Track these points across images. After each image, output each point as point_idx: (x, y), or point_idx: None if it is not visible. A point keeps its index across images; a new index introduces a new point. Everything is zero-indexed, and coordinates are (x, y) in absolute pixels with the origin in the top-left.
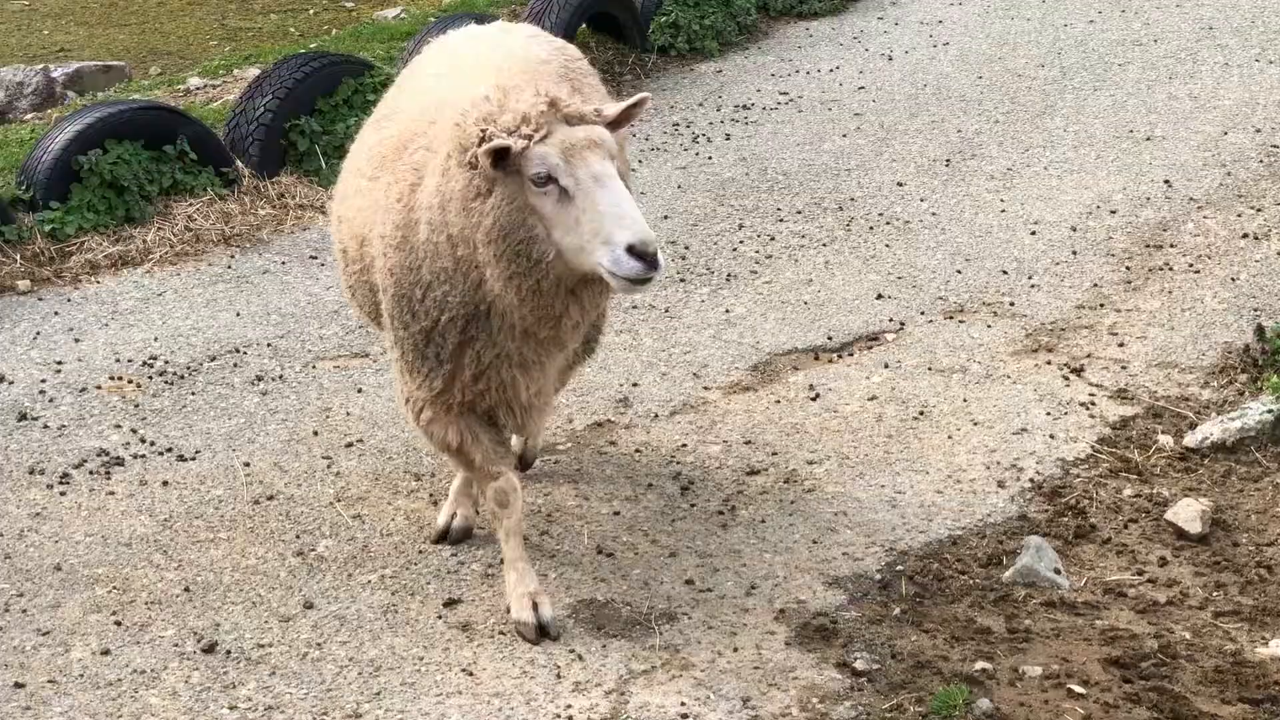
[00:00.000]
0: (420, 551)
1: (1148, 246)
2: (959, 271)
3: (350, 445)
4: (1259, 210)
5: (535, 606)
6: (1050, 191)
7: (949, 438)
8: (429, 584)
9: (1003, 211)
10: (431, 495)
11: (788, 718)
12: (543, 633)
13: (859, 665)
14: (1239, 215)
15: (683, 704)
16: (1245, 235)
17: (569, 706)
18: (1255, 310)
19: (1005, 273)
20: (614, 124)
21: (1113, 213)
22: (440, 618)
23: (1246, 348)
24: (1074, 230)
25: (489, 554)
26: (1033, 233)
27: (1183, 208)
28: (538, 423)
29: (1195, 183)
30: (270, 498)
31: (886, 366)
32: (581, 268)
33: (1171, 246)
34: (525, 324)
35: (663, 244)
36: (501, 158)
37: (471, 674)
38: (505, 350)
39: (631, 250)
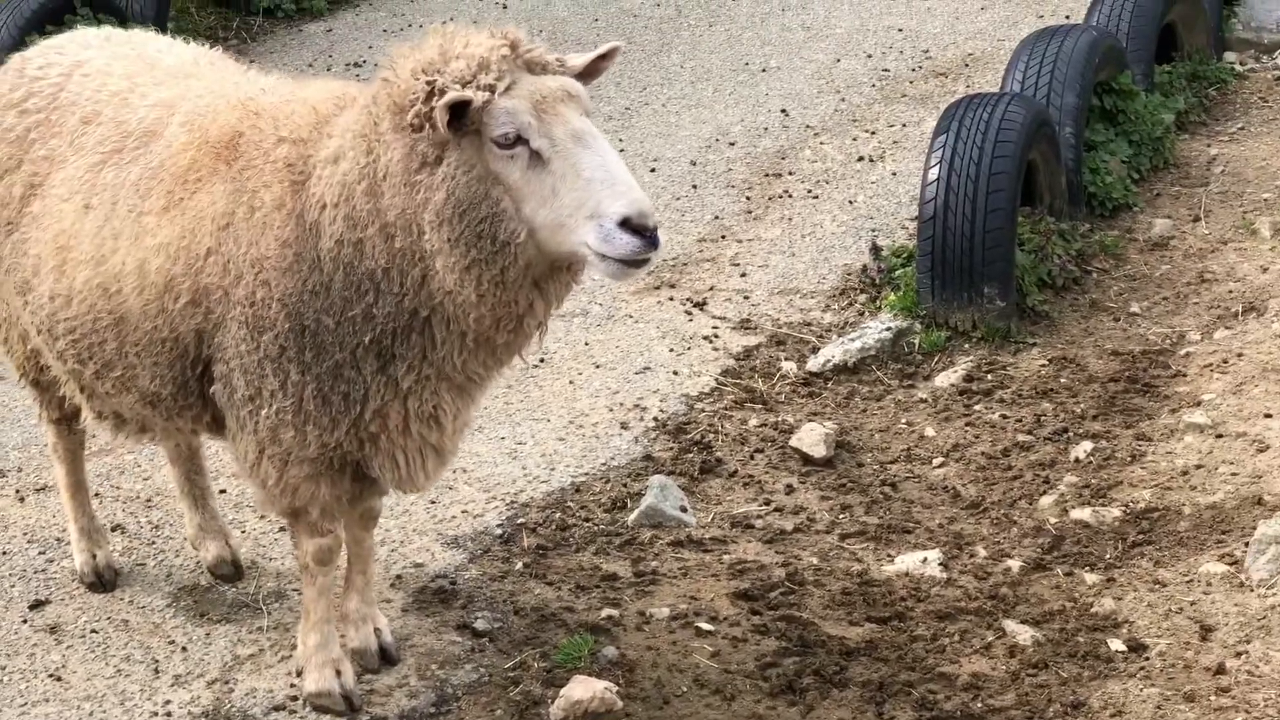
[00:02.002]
0: (4, 552)
1: (767, 175)
2: None
3: None
4: (873, 133)
5: (339, 674)
6: (669, 128)
7: (570, 383)
8: (13, 586)
9: (622, 150)
10: (17, 491)
11: (404, 688)
12: (350, 704)
13: (480, 625)
14: (854, 139)
15: (293, 685)
16: (861, 158)
17: (168, 703)
18: (873, 231)
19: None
20: (581, 77)
21: (732, 144)
22: (25, 621)
23: (864, 268)
24: (694, 164)
25: None
26: (653, 170)
27: (800, 135)
28: (439, 473)
29: (811, 110)
30: None
31: None
32: (559, 249)
33: (790, 174)
34: (481, 328)
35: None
36: (458, 115)
37: (60, 679)
38: (444, 369)
39: (626, 224)
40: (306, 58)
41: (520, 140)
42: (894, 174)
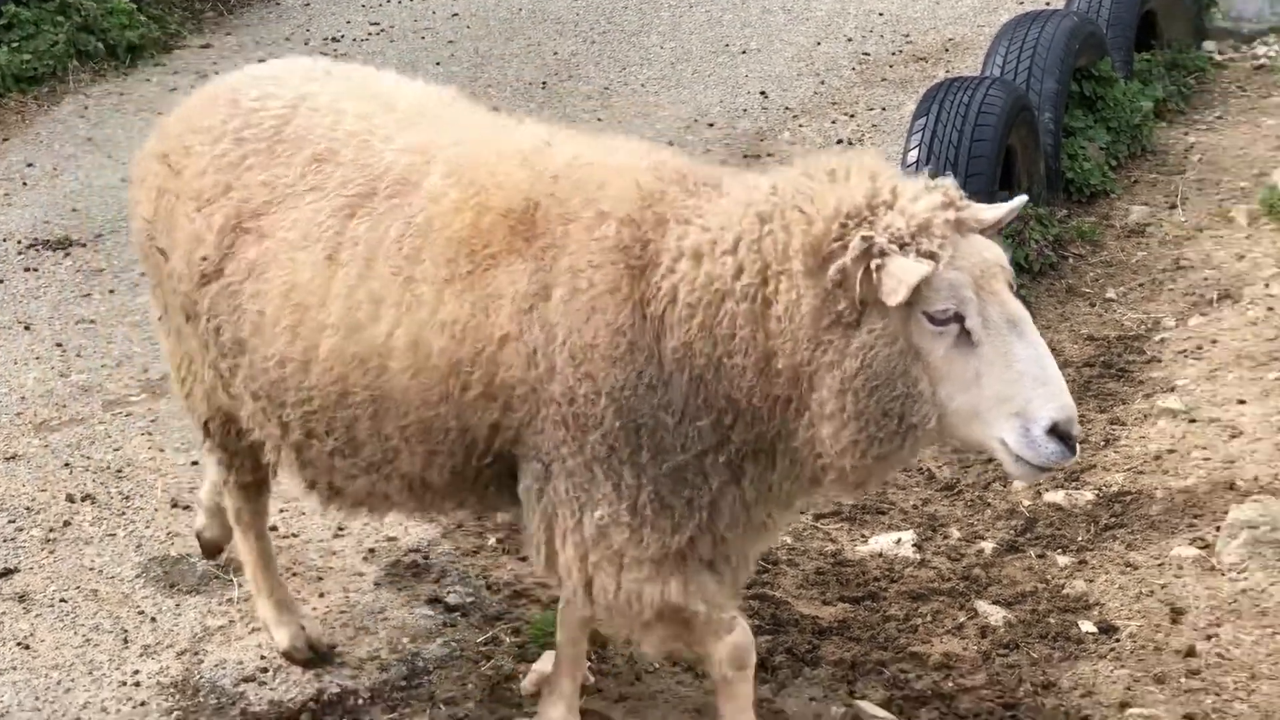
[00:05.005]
0: None
1: (745, 157)
2: None
3: None
4: (852, 116)
5: None
6: (648, 108)
7: None
8: None
9: (600, 131)
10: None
11: (375, 662)
12: None
13: (452, 600)
14: (833, 122)
15: (262, 658)
16: (839, 141)
17: (136, 673)
18: None
19: None
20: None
21: (710, 126)
22: None
23: None
24: (672, 145)
25: (49, 518)
26: None
27: (779, 117)
28: (749, 571)
29: (790, 93)
30: None
31: None
32: (966, 438)
33: (769, 156)
34: (831, 478)
35: None
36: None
37: (28, 647)
38: (776, 494)
39: (1053, 429)
40: (284, 31)
41: (957, 318)
42: None
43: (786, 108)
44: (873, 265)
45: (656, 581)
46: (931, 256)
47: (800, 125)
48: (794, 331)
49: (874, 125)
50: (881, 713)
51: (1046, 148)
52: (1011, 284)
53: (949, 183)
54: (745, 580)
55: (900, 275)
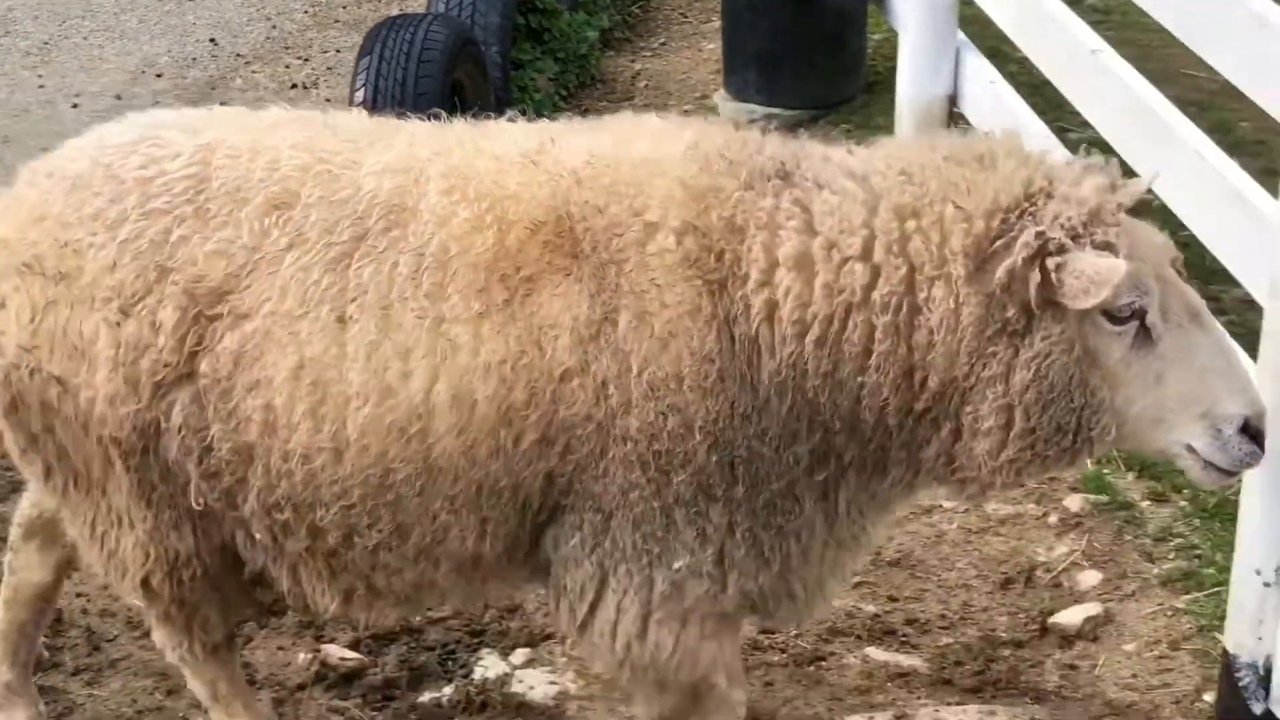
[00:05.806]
0: None
1: (197, 105)
2: None
3: None
4: (306, 60)
5: None
6: (92, 61)
7: None
8: None
9: (41, 87)
10: None
11: None
12: None
13: None
14: (287, 67)
15: None
16: (294, 85)
17: None
18: None
19: (47, 150)
20: None
21: (159, 76)
22: None
23: None
24: (119, 99)
25: None
26: (75, 105)
27: (230, 64)
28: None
29: (242, 38)
30: None
31: None
32: (1146, 445)
33: (221, 104)
34: (971, 491)
35: None
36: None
37: None
38: (880, 501)
39: (1245, 428)
40: None
41: (1137, 313)
42: (328, 100)
43: (238, 54)
44: (1050, 265)
45: (715, 640)
46: (1108, 247)
47: (253, 71)
48: (950, 344)
49: (329, 68)
50: (350, 654)
51: (495, 81)
52: (1180, 269)
53: (1100, 160)
54: (809, 619)
55: (1093, 275)
